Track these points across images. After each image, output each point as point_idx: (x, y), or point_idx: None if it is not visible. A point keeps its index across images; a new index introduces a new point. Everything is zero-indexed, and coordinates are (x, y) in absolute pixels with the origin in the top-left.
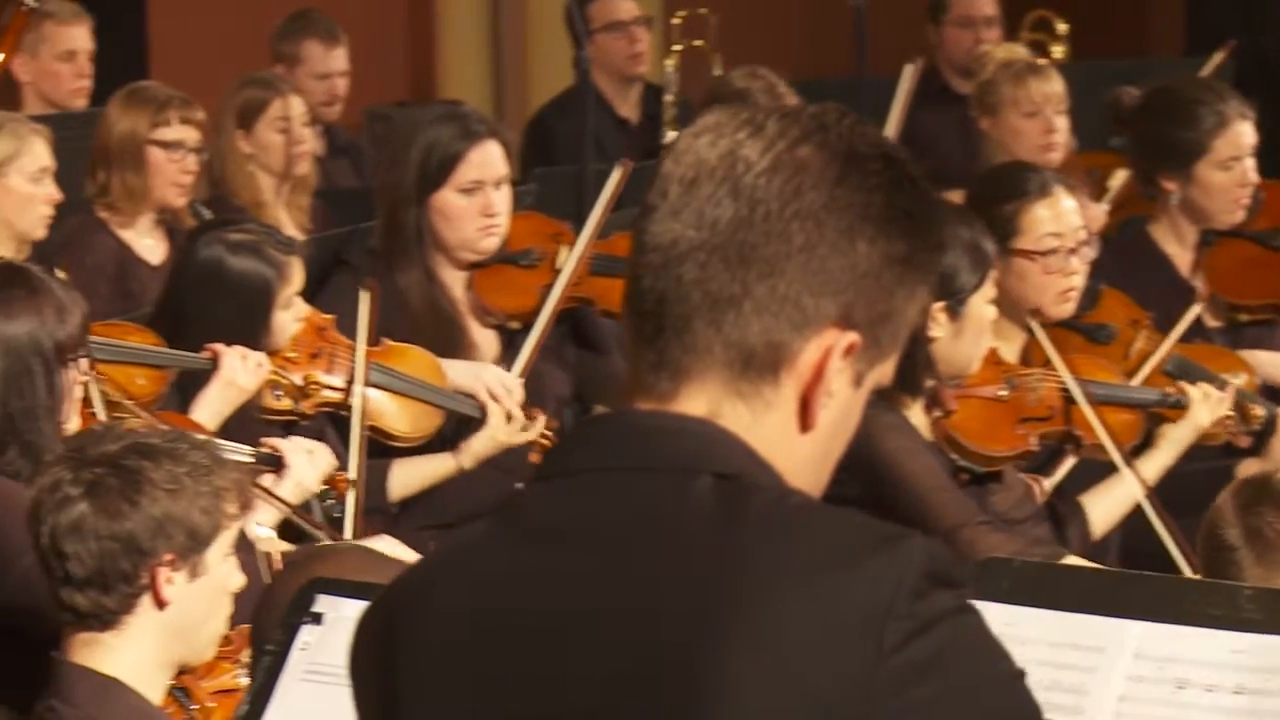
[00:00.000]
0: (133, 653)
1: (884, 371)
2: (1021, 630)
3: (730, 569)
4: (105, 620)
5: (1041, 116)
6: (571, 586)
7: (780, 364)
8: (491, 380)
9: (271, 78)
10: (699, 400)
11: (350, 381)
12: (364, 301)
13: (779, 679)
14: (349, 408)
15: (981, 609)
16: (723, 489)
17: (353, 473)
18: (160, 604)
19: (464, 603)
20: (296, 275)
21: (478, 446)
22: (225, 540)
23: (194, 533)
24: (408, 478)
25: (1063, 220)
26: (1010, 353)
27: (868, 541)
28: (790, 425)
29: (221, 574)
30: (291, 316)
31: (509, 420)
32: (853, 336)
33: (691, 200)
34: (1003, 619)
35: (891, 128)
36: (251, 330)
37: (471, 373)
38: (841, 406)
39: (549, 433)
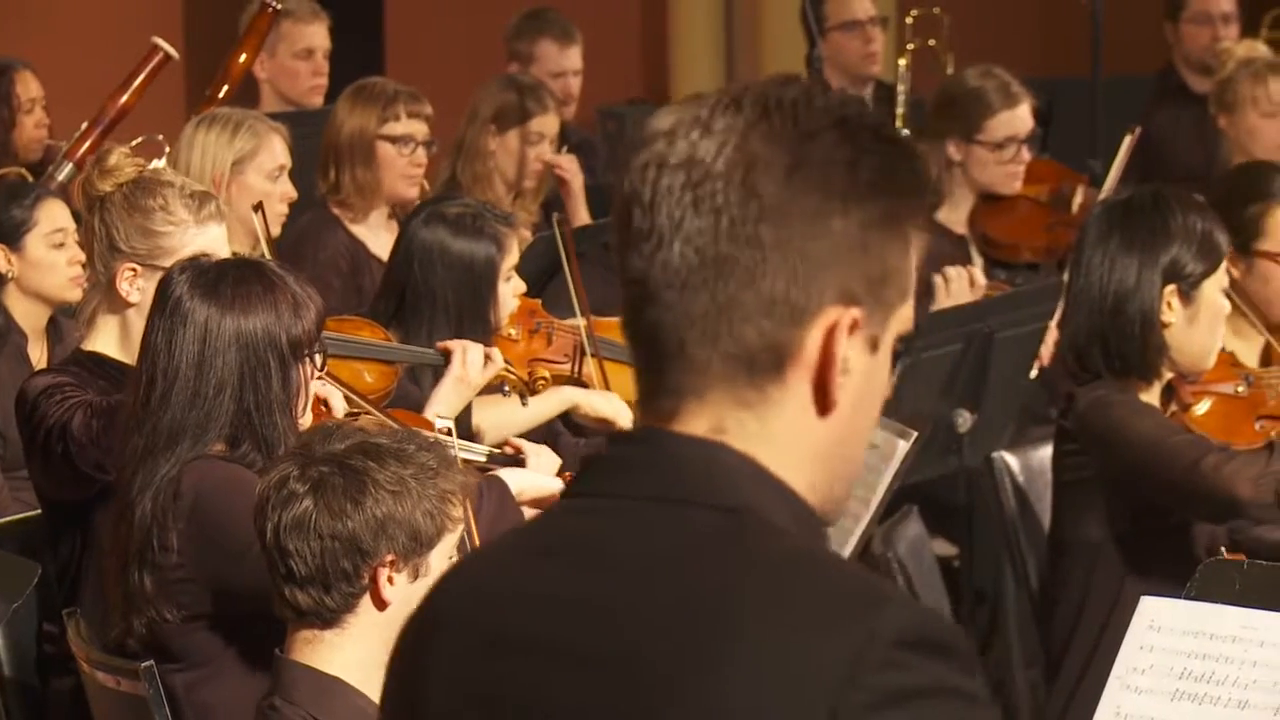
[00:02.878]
0: (354, 652)
1: (902, 320)
2: (1260, 634)
3: (698, 622)
4: (326, 619)
5: None
6: (562, 615)
7: (784, 361)
8: None
9: (540, 90)
10: (703, 419)
11: (570, 356)
12: (559, 235)
13: None
14: (578, 382)
15: (1215, 613)
16: (729, 528)
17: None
18: (381, 605)
19: (475, 616)
20: (515, 248)
21: None
22: (449, 543)
23: (416, 534)
24: None
25: None
26: (1250, 354)
27: (842, 603)
28: (804, 416)
29: None
30: (511, 290)
31: None
32: (855, 312)
33: (656, 224)
34: (1238, 621)
35: (1105, 193)
36: (479, 307)
37: None
38: (860, 379)
39: None
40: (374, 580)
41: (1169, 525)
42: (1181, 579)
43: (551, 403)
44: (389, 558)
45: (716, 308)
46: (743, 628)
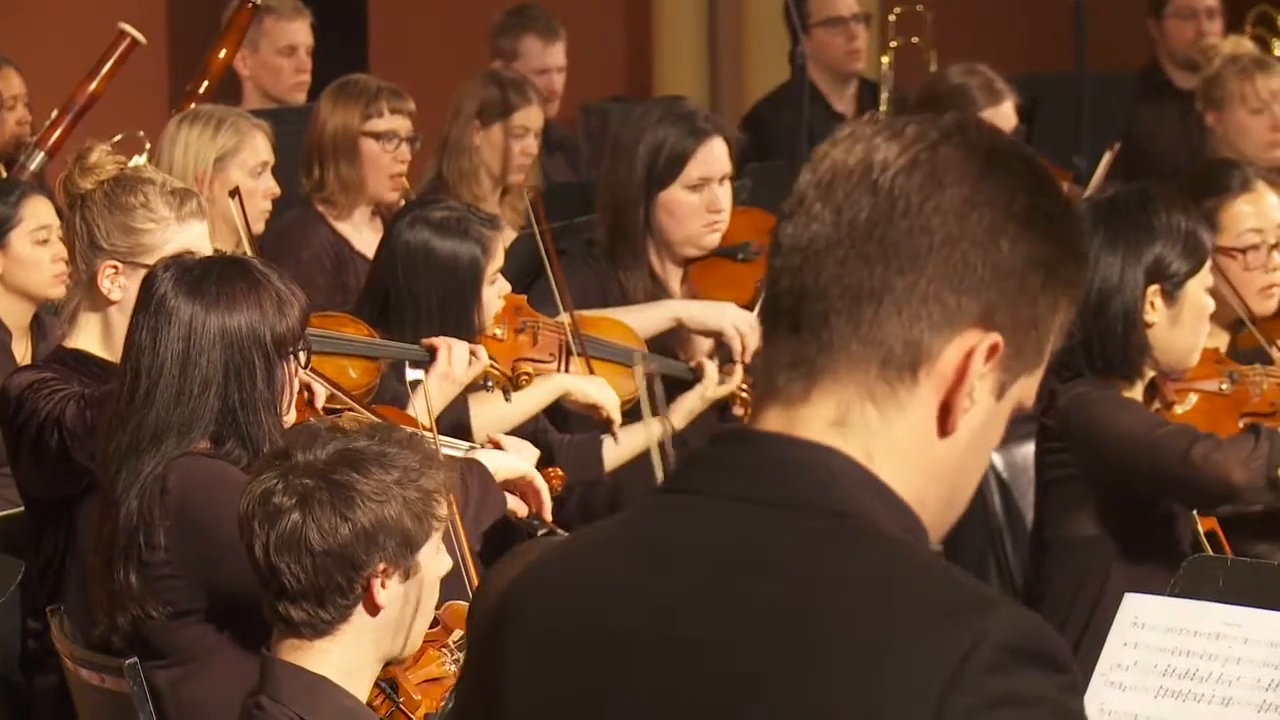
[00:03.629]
0: (343, 654)
1: (1027, 387)
2: (1244, 630)
3: (796, 617)
4: (319, 630)
5: (1268, 113)
6: (664, 610)
7: (919, 363)
8: (736, 318)
9: (523, 84)
10: (829, 403)
11: (555, 355)
12: (531, 211)
13: None
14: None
15: (1199, 610)
16: (836, 531)
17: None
18: (374, 610)
19: (563, 603)
20: (500, 251)
21: (689, 404)
22: (436, 539)
23: (406, 538)
24: (621, 447)
25: (1264, 216)
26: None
27: (951, 605)
28: (926, 429)
29: (432, 569)
30: (496, 292)
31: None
32: (995, 338)
33: (828, 201)
34: (1222, 618)
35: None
36: (464, 310)
37: (716, 311)
38: (983, 416)
39: (745, 386)
40: (368, 589)
41: (1153, 521)
42: (1166, 575)
43: (542, 392)
44: (381, 566)
45: (870, 287)
46: (845, 623)
